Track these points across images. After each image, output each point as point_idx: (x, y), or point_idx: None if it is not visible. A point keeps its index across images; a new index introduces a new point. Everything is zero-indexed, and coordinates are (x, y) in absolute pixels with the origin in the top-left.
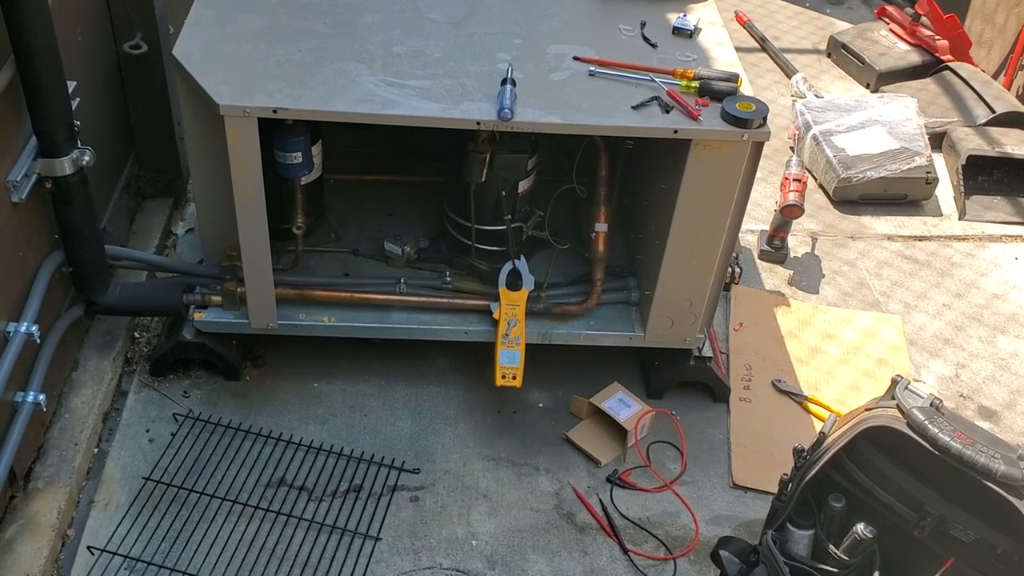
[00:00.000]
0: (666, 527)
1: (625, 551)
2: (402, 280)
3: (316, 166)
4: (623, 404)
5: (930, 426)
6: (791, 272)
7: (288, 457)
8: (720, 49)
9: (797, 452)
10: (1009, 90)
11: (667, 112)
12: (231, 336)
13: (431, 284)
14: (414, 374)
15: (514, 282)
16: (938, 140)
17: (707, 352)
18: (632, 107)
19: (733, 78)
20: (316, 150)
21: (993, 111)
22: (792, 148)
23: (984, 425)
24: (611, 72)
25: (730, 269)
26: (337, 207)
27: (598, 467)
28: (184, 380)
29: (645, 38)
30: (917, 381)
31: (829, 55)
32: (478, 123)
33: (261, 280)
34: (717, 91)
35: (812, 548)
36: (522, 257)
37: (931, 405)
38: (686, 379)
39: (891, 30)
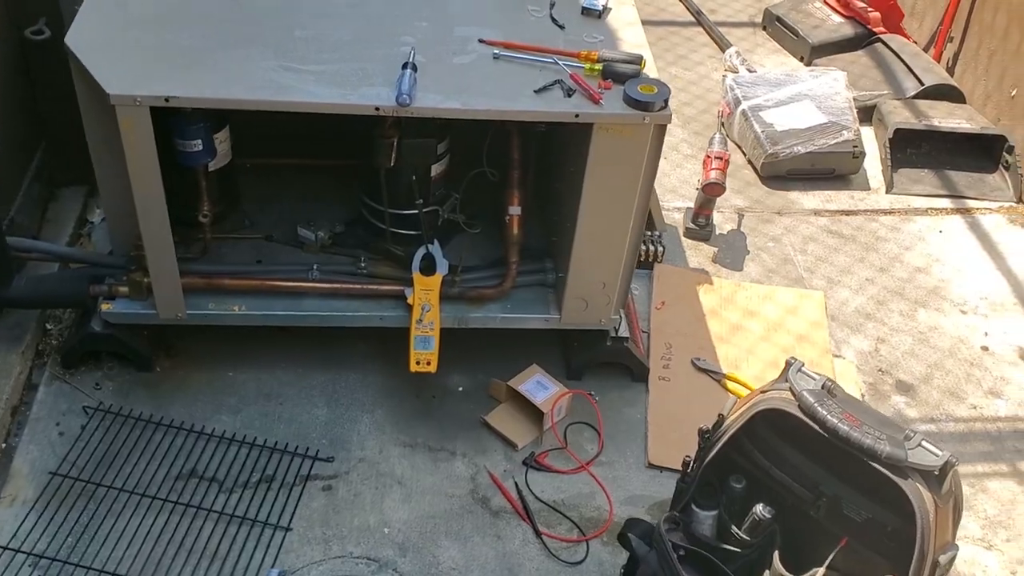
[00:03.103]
0: (581, 509)
1: (538, 534)
2: (315, 266)
3: (222, 153)
4: (540, 386)
5: (819, 408)
6: (716, 249)
7: (200, 448)
8: (628, 30)
9: (701, 433)
10: (939, 62)
11: (569, 96)
12: (142, 327)
13: (346, 270)
14: (332, 361)
15: (428, 267)
16: (869, 113)
17: (623, 332)
18: (534, 91)
19: (637, 60)
20: (223, 136)
21: (922, 83)
22: (722, 124)
23: (900, 399)
24: (516, 55)
25: (652, 248)
26: (253, 193)
27: (515, 450)
28: (96, 372)
29: (553, 19)
30: (837, 357)
31: (764, 28)
32: (377, 108)
33: (166, 270)
34: (620, 73)
35: (717, 529)
36: (435, 241)
37: (823, 387)
38: (603, 360)
39: (825, 2)
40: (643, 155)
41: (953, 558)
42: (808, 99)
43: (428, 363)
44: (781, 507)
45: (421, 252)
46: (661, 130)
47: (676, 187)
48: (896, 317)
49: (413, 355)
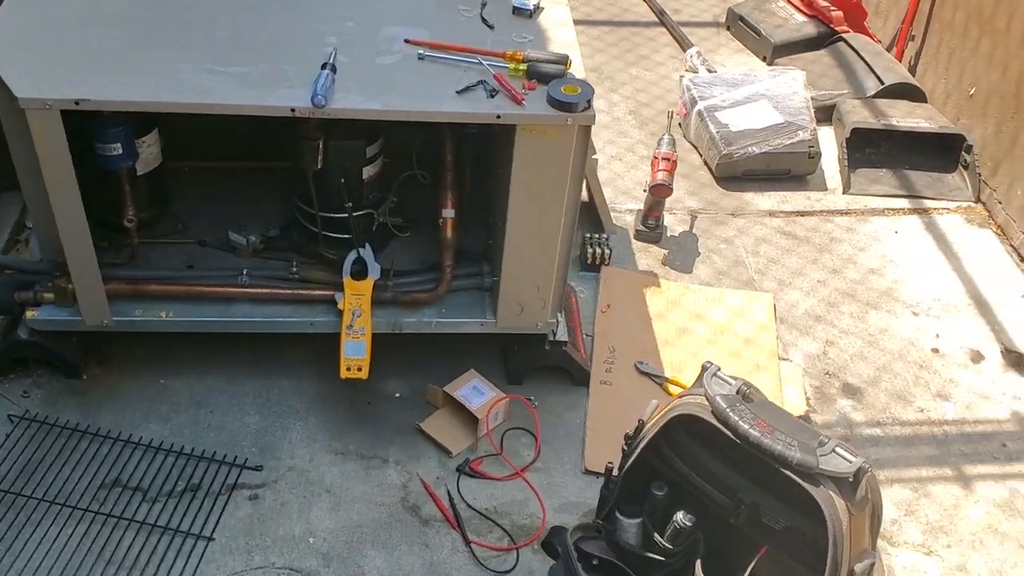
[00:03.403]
0: (513, 516)
1: (467, 542)
2: (245, 271)
3: (149, 156)
4: (477, 392)
5: (731, 413)
6: (666, 251)
7: (126, 457)
8: (558, 29)
9: (627, 439)
10: (900, 61)
11: (492, 97)
12: (70, 333)
13: (278, 275)
14: (266, 367)
15: (360, 271)
16: (829, 113)
17: (562, 336)
18: (457, 92)
19: (562, 60)
20: (151, 140)
21: (882, 83)
22: (679, 124)
23: (847, 403)
24: (441, 55)
25: (599, 250)
26: (189, 196)
27: (450, 457)
28: (25, 379)
29: (483, 19)
30: (783, 359)
31: (728, 28)
32: (293, 110)
33: (88, 275)
34: (545, 74)
35: (641, 537)
36: (367, 246)
37: (738, 392)
38: (542, 364)
39: (789, 1)
40: (568, 156)
41: (871, 566)
42: (765, 99)
43: (359, 369)
44: (703, 515)
45: (352, 256)
46: (585, 131)
47: (630, 189)
48: (846, 319)
49: (344, 361)
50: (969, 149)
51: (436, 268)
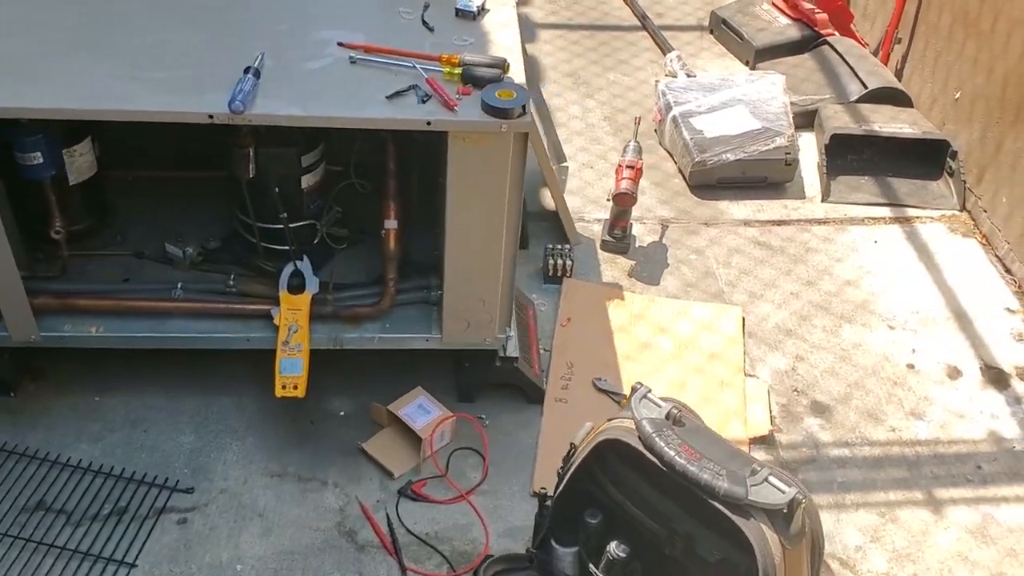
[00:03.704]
0: (454, 542)
1: (403, 569)
2: (179, 285)
3: (83, 165)
4: (422, 410)
5: (657, 439)
6: (633, 263)
7: (52, 479)
8: (502, 32)
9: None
10: (886, 64)
11: (424, 102)
12: (2, 349)
13: (215, 288)
14: (206, 383)
15: (297, 285)
16: (811, 119)
17: (513, 352)
18: (386, 97)
19: (499, 64)
20: (83, 148)
21: (866, 87)
22: (655, 131)
23: (815, 421)
24: (374, 59)
25: (561, 262)
26: (131, 206)
27: (391, 479)
28: None
29: (424, 21)
30: (750, 376)
31: (711, 32)
32: (210, 116)
33: (10, 289)
34: (480, 78)
35: (577, 567)
36: (305, 258)
37: (667, 415)
38: (493, 381)
39: (773, 3)
40: (506, 164)
41: None
42: (742, 104)
43: (295, 387)
44: (639, 544)
45: (289, 269)
46: (523, 138)
47: (600, 198)
48: (818, 333)
49: (279, 378)
50: (954, 155)
51: (381, 281)
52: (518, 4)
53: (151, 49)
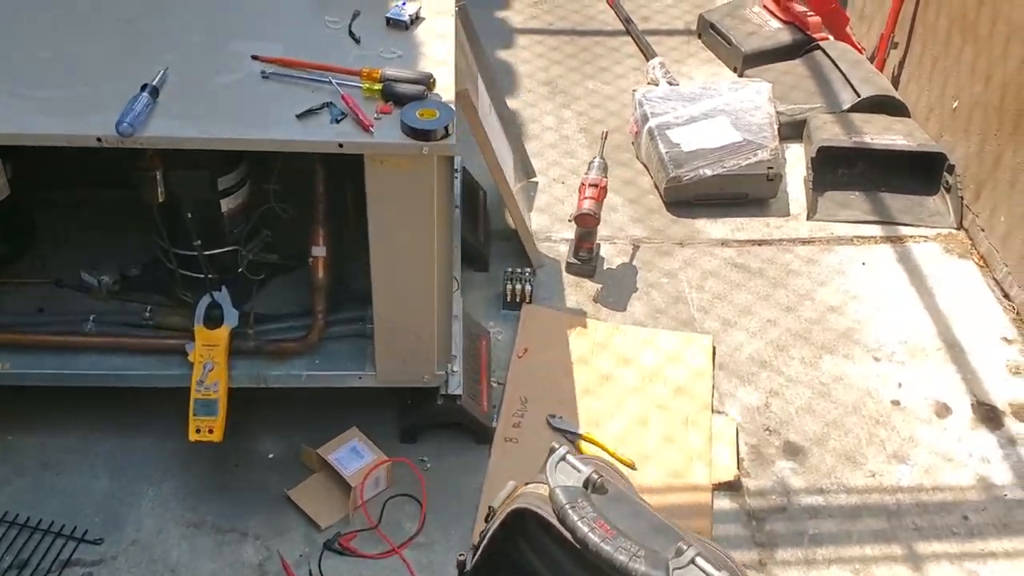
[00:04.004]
0: None
1: None
2: (92, 317)
3: None
4: (355, 454)
5: (571, 512)
6: (599, 286)
7: None
8: (436, 44)
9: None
10: (882, 70)
11: (337, 121)
12: None
13: (132, 320)
14: (125, 422)
15: (215, 317)
16: (800, 129)
17: (457, 389)
18: (297, 116)
19: (424, 80)
20: None
21: (859, 95)
22: (632, 144)
23: (787, 465)
24: (289, 73)
25: (520, 287)
26: (58, 229)
27: (319, 531)
28: None
29: (351, 32)
30: (718, 413)
31: (700, 36)
32: (99, 139)
33: None
34: (401, 95)
35: None
36: (223, 288)
37: (587, 482)
38: (436, 420)
39: (764, 6)
40: (430, 190)
41: None
42: (724, 115)
43: (211, 431)
44: None
45: (206, 301)
46: (447, 161)
47: (563, 216)
48: (796, 366)
49: (192, 422)
50: (951, 169)
51: (310, 313)
52: (500, 7)
53: (47, 64)
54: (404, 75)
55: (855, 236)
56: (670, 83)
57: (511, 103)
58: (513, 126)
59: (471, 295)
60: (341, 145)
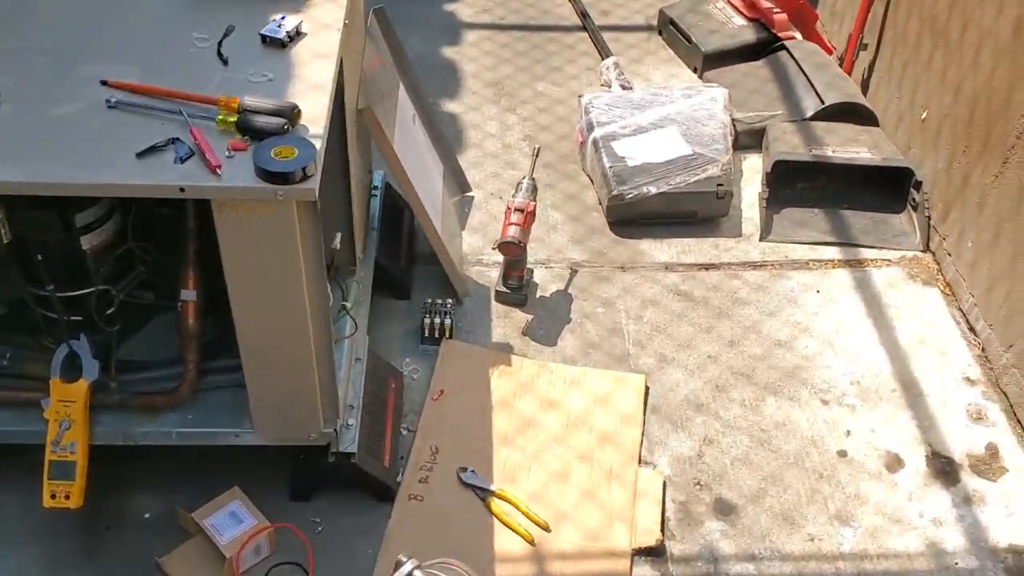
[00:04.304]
0: None
1: None
2: None
3: None
4: (234, 519)
5: None
6: (530, 318)
7: None
8: (315, 64)
9: None
10: (850, 74)
11: (182, 161)
12: None
13: None
14: None
15: (72, 370)
16: (759, 138)
17: (349, 446)
18: (137, 155)
19: (286, 111)
20: None
21: (823, 102)
22: (579, 154)
23: (717, 526)
24: (138, 102)
25: (439, 320)
26: None
27: None
28: None
29: (219, 52)
30: (646, 463)
31: (660, 33)
32: None
33: None
34: (259, 129)
35: None
36: (82, 337)
37: None
38: (329, 478)
39: (729, 1)
40: (294, 238)
41: None
42: (675, 125)
43: (67, 496)
44: None
45: (62, 351)
46: (309, 207)
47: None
48: (735, 409)
49: (47, 486)
50: (919, 186)
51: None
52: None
53: None
54: (263, 105)
55: (811, 259)
56: (623, 86)
57: (452, 106)
58: (444, 138)
59: (388, 327)
60: (183, 190)
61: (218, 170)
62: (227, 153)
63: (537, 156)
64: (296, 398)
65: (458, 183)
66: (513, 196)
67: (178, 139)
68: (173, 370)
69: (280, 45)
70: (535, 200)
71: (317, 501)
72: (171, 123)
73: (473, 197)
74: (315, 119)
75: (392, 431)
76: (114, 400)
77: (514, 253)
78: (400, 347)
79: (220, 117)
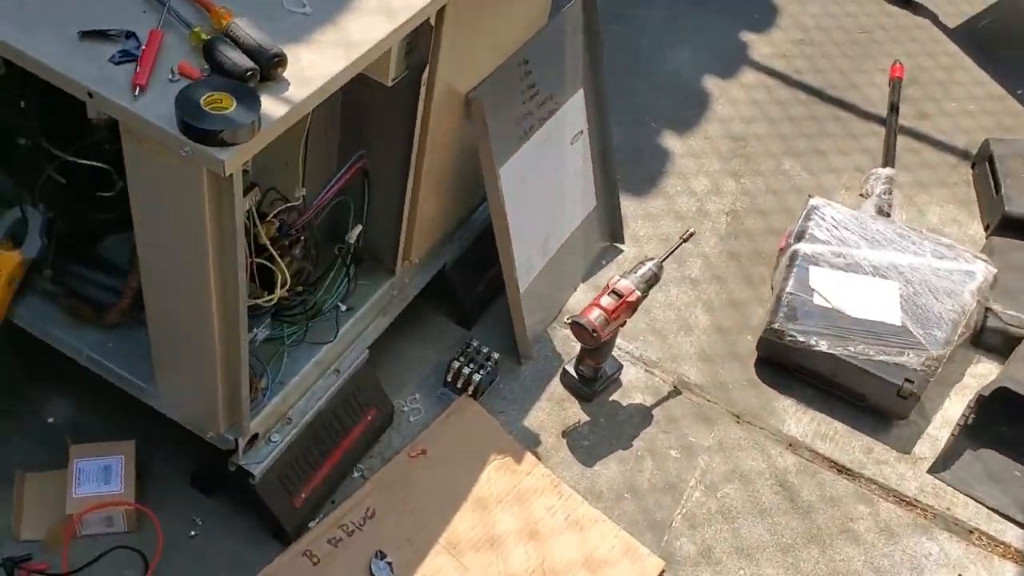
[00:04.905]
0: None
1: None
2: None
3: None
4: (103, 475)
5: None
6: (586, 419)
7: None
8: (374, 19)
9: None
10: None
11: (116, 63)
12: None
13: None
14: None
15: (15, 238)
16: (1013, 346)
17: (252, 466)
18: (80, 33)
19: (270, 54)
20: None
21: None
22: (777, 260)
23: None
24: None
25: (469, 370)
26: None
27: (17, 540)
28: None
29: None
30: None
31: (973, 166)
32: None
33: None
34: (219, 63)
35: None
36: (42, 206)
37: None
38: (225, 486)
39: None
40: (200, 205)
41: None
42: (900, 282)
43: None
44: None
45: (14, 214)
46: (219, 180)
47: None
48: None
49: None
50: None
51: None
52: None
53: None
54: (246, 39)
55: (979, 529)
56: (880, 208)
57: (670, 142)
58: (612, 173)
59: (423, 350)
60: (91, 95)
61: (137, 90)
62: (170, 75)
63: (686, 240)
64: (196, 384)
65: (610, 229)
66: (623, 276)
67: (134, 35)
68: (112, 289)
69: None
70: (646, 292)
71: (218, 500)
72: (153, 14)
73: (622, 252)
74: (308, 80)
75: (333, 467)
76: (44, 288)
77: (585, 341)
78: (419, 379)
79: (195, 30)
